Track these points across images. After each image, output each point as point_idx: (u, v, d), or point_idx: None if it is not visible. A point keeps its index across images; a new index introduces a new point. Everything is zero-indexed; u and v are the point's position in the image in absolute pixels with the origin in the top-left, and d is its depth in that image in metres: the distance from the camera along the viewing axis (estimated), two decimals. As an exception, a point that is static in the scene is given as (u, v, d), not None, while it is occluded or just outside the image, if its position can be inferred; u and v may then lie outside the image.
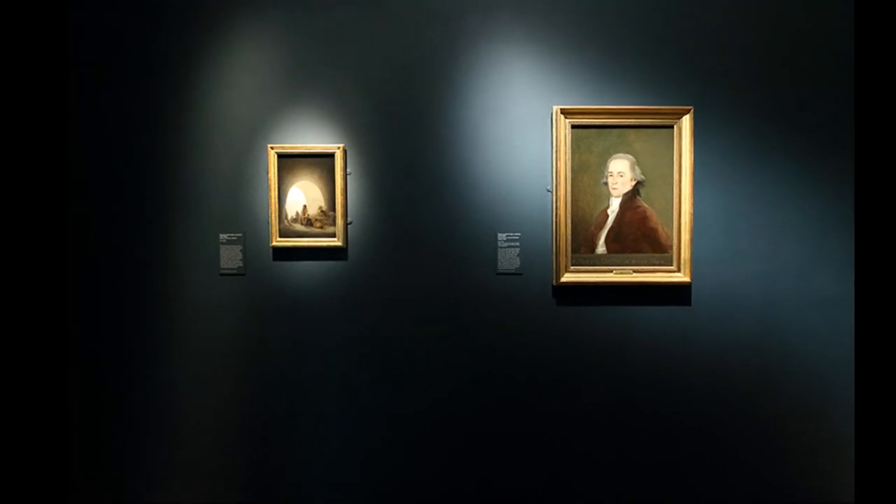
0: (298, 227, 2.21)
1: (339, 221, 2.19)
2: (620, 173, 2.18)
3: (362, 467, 2.25)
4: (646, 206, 2.18)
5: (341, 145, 2.19)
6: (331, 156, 2.19)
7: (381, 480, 2.24)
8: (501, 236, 2.21)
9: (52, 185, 2.22)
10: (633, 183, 2.18)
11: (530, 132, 2.23)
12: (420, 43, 2.24)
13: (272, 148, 2.19)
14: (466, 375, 2.25)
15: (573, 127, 2.16)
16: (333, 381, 2.25)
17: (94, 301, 2.29)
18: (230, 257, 2.23)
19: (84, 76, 2.28)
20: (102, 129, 2.27)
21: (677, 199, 2.17)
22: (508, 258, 2.21)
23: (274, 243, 2.20)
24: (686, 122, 2.16)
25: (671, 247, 2.18)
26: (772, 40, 2.23)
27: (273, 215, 2.19)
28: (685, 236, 2.17)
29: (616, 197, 2.19)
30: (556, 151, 2.17)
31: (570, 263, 2.18)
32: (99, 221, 2.28)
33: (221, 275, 2.24)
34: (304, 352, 2.25)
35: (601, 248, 2.19)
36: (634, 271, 2.18)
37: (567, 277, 2.18)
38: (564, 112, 2.16)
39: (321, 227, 2.21)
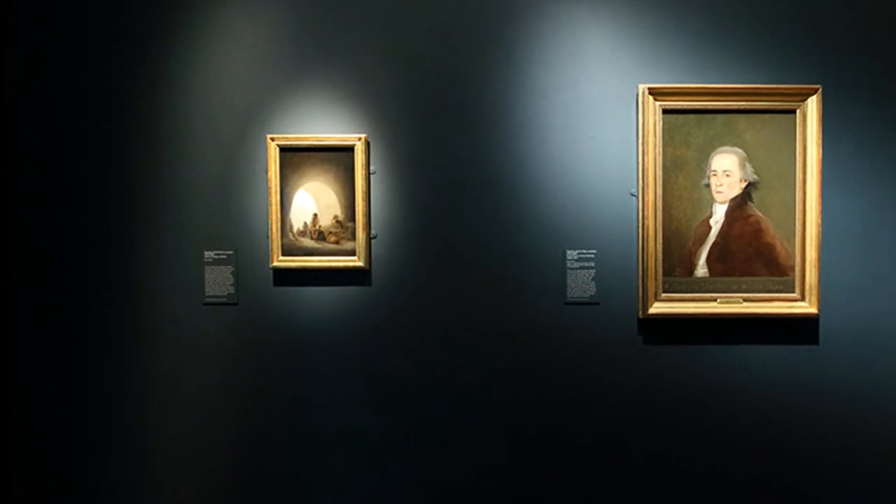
0: (307, 242, 2.15)
1: (360, 235, 2.12)
2: (727, 172, 2.08)
3: (389, 556, 2.18)
4: (759, 214, 2.08)
5: (363, 136, 2.12)
6: (349, 149, 2.12)
7: (412, 573, 2.18)
8: (571, 254, 2.13)
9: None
10: (744, 185, 2.08)
11: (609, 119, 2.14)
12: (466, 2, 2.15)
13: (273, 139, 2.13)
14: (526, 436, 2.15)
15: (665, 112, 2.07)
16: (350, 443, 2.18)
17: (41, 339, 2.22)
18: (218, 281, 2.18)
19: (26, 47, 2.20)
20: (51, 116, 2.20)
21: (801, 206, 2.06)
22: (580, 283, 2.13)
23: (275, 263, 2.14)
24: (812, 106, 2.05)
25: (793, 268, 2.08)
26: (926, -2, 2.12)
27: (274, 227, 2.13)
28: (811, 254, 2.05)
29: (721, 203, 2.09)
30: (643, 144, 2.07)
31: (660, 290, 2.09)
32: (47, 236, 2.21)
33: (207, 304, 2.19)
34: (313, 405, 2.18)
35: (701, 270, 2.09)
36: (745, 300, 2.08)
37: (657, 308, 2.08)
38: (654, 92, 2.06)
39: (336, 243, 2.15)
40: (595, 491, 2.14)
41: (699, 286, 2.08)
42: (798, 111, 2.05)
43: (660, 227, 2.07)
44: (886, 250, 2.10)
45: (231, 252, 2.17)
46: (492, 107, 2.14)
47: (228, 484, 2.18)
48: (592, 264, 2.12)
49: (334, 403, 2.16)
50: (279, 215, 2.12)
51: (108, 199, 2.19)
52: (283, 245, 2.13)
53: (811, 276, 2.05)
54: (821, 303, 2.06)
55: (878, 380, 2.10)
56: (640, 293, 2.08)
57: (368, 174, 2.13)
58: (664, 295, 2.08)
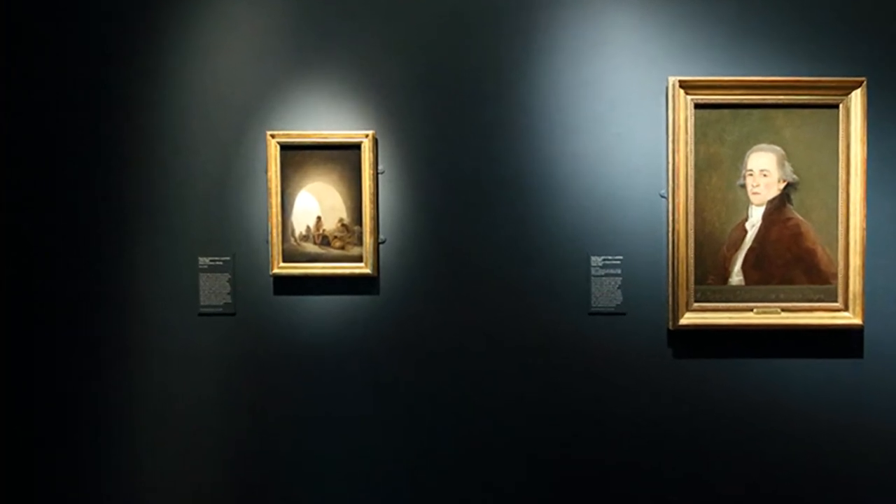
0: (310, 247, 2.15)
1: (368, 239, 2.11)
2: (764, 172, 2.05)
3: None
4: (799, 217, 2.05)
5: (370, 132, 2.11)
6: (356, 147, 2.11)
7: None
8: (596, 260, 2.11)
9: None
10: (782, 185, 2.05)
11: (637, 114, 2.12)
12: (482, -12, 2.13)
13: (273, 137, 2.12)
14: (546, 456, 2.13)
15: (697, 106, 2.05)
16: (357, 464, 2.16)
17: (23, 352, 2.20)
18: (214, 290, 2.17)
19: (8, 39, 2.20)
20: (35, 112, 2.20)
21: (844, 209, 2.04)
22: (606, 291, 2.11)
23: (275, 271, 2.13)
24: (856, 100, 2.01)
25: (835, 275, 2.05)
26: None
27: (274, 231, 2.12)
28: (855, 261, 2.02)
29: (758, 205, 2.06)
30: (674, 141, 2.05)
31: (692, 299, 2.06)
32: (28, 241, 2.20)
33: (202, 314, 2.18)
34: (316, 423, 2.17)
35: (736, 278, 2.06)
36: (783, 310, 2.04)
37: (688, 318, 2.05)
38: (685, 85, 2.04)
39: (342, 248, 2.14)
40: (621, 516, 2.10)
41: (734, 295, 2.05)
42: (841, 106, 2.02)
43: (691, 232, 2.04)
44: (936, 256, 2.06)
45: (228, 258, 2.16)
46: (509, 102, 2.12)
47: (225, 508, 2.14)
48: (618, 271, 2.10)
49: (339, 421, 2.15)
50: (280, 218, 2.11)
51: (95, 200, 2.17)
52: (284, 251, 2.12)
53: (855, 284, 2.01)
54: (865, 313, 2.02)
55: (927, 396, 2.07)
56: (670, 302, 2.05)
57: (376, 174, 2.12)
58: (696, 304, 2.05)
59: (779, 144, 2.04)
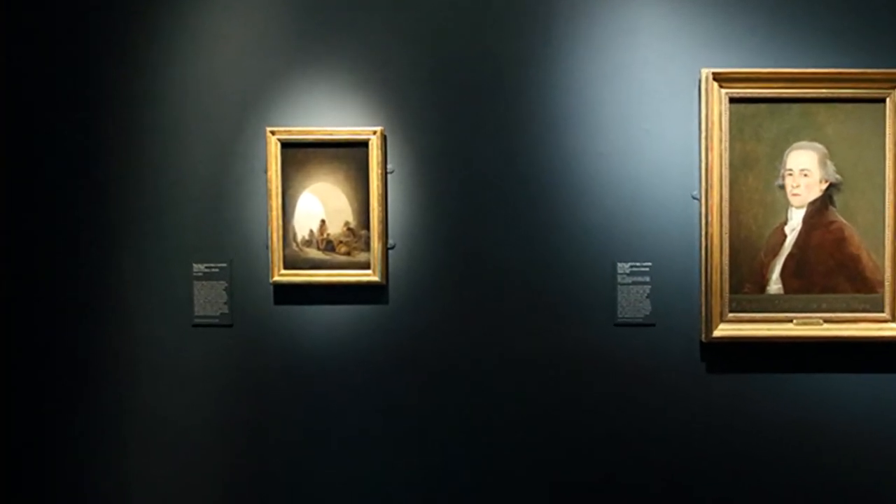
0: (313, 252, 2.12)
1: (376, 245, 2.08)
2: (804, 171, 2.01)
3: None
4: (843, 220, 2.01)
5: (378, 129, 2.08)
6: (363, 145, 2.08)
7: None
8: (623, 267, 2.08)
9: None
10: (824, 186, 2.01)
11: (667, 109, 2.08)
12: (500, -26, 2.11)
13: (273, 133, 2.09)
14: (570, 481, 2.09)
15: (732, 101, 2.02)
16: (364, 489, 2.12)
17: (2, 365, 2.13)
18: (209, 299, 2.15)
19: None
20: (15, 107, 2.17)
21: (891, 211, 2.00)
22: (633, 300, 2.08)
23: (276, 278, 2.10)
24: None
25: (881, 283, 2.00)
26: None
27: (274, 235, 2.10)
28: None
29: (798, 207, 2.02)
30: (707, 138, 2.02)
31: (727, 309, 2.02)
32: (8, 246, 2.17)
33: (196, 325, 2.15)
34: (320, 444, 2.13)
35: (775, 286, 2.03)
36: (825, 321, 2.00)
37: (723, 330, 2.02)
38: (719, 78, 2.00)
39: (348, 254, 2.12)
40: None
41: (772, 305, 2.02)
42: (888, 100, 1.98)
43: (726, 236, 2.02)
44: None
45: (224, 265, 2.14)
46: (528, 96, 2.09)
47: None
48: (647, 279, 2.07)
49: (344, 441, 2.12)
50: (281, 222, 2.09)
51: (81, 202, 2.15)
52: (285, 256, 2.10)
53: (904, 292, 1.98)
54: (914, 324, 1.98)
55: (983, 414, 2.01)
56: (703, 313, 2.02)
57: (385, 174, 2.10)
58: (731, 315, 2.02)
59: (820, 142, 2.01)
